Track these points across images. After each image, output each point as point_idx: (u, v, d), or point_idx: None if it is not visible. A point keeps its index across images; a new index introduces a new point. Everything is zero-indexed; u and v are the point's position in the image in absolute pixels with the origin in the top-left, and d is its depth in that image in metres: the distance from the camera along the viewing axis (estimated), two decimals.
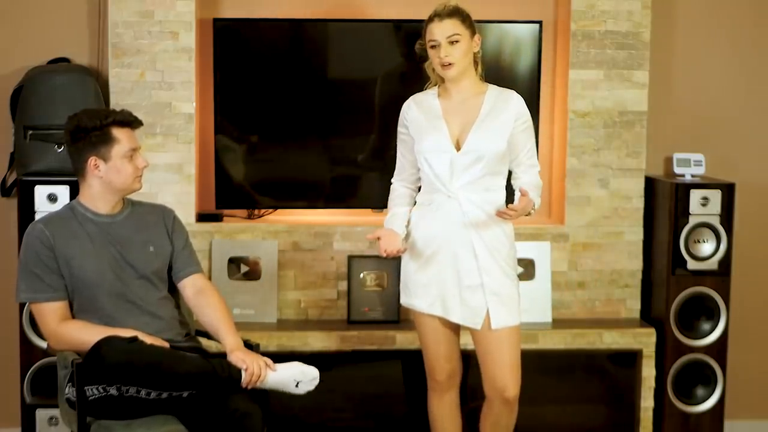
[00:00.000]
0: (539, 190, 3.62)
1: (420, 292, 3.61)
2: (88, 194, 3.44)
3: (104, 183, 3.39)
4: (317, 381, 3.41)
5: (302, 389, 3.38)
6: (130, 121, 3.40)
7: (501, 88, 3.62)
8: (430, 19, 3.53)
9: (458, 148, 3.54)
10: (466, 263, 3.54)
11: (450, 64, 3.50)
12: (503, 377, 3.58)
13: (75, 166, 3.41)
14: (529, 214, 3.53)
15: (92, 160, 3.36)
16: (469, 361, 3.73)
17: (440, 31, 3.50)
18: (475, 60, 3.59)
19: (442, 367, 3.69)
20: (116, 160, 3.36)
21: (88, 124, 3.35)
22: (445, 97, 3.61)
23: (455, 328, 3.67)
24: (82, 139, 3.36)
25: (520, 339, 3.62)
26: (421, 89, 3.69)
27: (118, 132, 3.36)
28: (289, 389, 3.37)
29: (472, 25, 3.55)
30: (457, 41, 3.49)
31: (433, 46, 3.53)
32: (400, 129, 3.68)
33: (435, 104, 3.60)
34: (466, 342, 3.68)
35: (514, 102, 3.58)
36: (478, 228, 3.53)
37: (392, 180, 3.75)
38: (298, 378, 3.37)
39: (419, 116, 3.61)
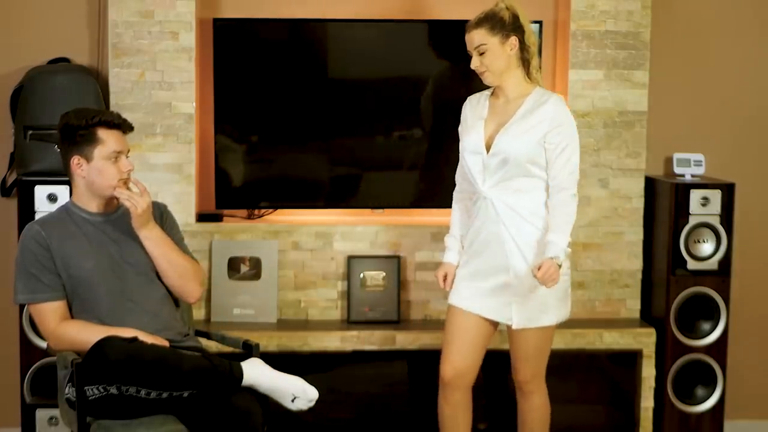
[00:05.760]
0: (565, 221, 3.52)
1: (458, 286, 3.64)
2: (77, 194, 3.44)
3: (87, 183, 3.39)
4: (313, 403, 3.35)
5: (296, 406, 3.33)
6: (118, 124, 3.38)
7: (544, 91, 3.58)
8: (465, 29, 3.57)
9: (488, 150, 3.55)
10: (497, 262, 3.55)
11: (482, 72, 3.55)
12: (517, 364, 3.67)
13: (63, 164, 3.42)
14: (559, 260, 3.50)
15: (75, 159, 3.36)
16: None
17: (469, 42, 3.56)
18: (523, 59, 3.57)
19: (450, 361, 3.63)
20: (98, 161, 3.35)
21: (74, 123, 3.35)
22: (495, 97, 3.64)
23: (481, 329, 3.64)
24: (68, 138, 3.36)
25: (547, 339, 3.65)
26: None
27: (103, 133, 3.35)
28: (283, 401, 3.33)
29: (504, 27, 3.51)
30: (483, 51, 3.52)
31: (471, 55, 3.58)
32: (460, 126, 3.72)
33: (485, 104, 3.64)
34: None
35: (549, 107, 3.51)
36: (510, 228, 3.53)
37: (456, 179, 3.74)
38: (297, 393, 3.33)
39: (468, 115, 3.66)
